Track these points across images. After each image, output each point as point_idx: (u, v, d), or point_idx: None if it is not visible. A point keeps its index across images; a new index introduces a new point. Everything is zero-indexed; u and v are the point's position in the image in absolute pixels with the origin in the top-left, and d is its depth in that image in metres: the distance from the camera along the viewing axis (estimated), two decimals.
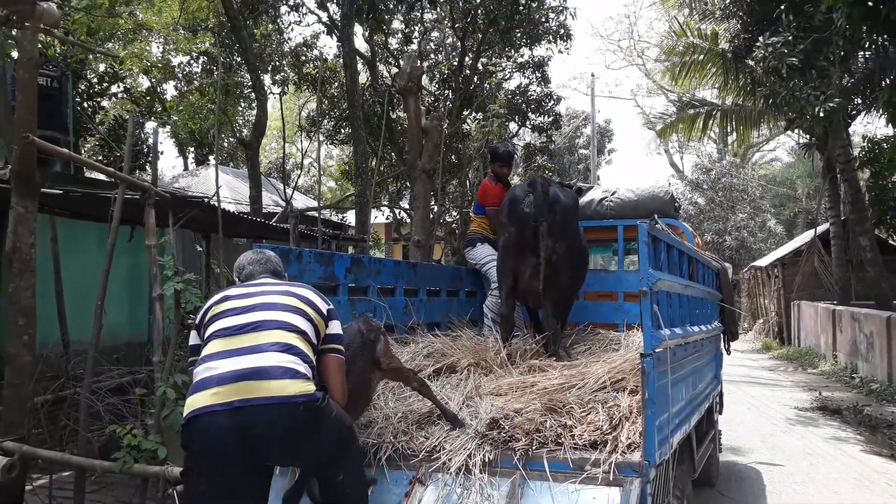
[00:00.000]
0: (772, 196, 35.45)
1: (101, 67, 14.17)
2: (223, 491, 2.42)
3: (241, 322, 2.62)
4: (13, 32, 5.28)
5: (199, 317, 2.80)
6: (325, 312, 2.85)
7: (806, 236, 21.29)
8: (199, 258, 8.47)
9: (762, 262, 24.42)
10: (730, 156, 33.41)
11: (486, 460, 3.09)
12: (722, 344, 6.16)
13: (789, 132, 21.67)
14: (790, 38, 9.47)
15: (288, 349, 2.57)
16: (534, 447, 3.11)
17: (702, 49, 17.93)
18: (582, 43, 70.93)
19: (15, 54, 6.48)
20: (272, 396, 2.44)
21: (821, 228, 19.05)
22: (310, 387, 2.53)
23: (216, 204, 5.31)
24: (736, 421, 9.47)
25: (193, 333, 2.78)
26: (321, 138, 16.52)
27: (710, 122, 21.22)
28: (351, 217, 18.43)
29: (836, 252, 16.94)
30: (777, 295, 21.48)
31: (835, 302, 16.54)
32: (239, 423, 2.39)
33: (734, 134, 21.71)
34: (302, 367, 2.55)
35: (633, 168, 63.51)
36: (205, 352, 2.58)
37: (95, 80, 13.56)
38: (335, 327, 2.88)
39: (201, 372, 2.51)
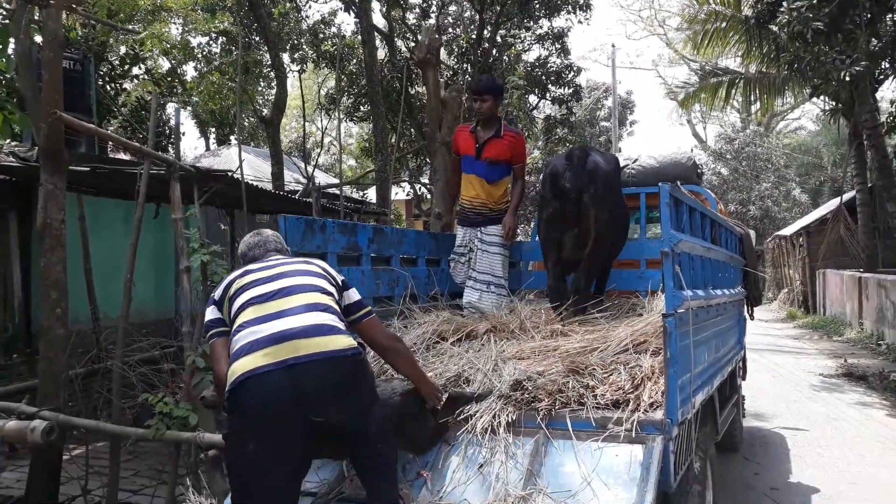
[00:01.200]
0: (797, 165, 34.98)
1: (122, 50, 14.27)
2: (272, 451, 2.44)
3: (273, 289, 2.67)
4: (35, 14, 5.36)
5: (218, 292, 2.82)
6: (340, 283, 2.93)
7: (831, 204, 21.01)
8: (224, 235, 8.58)
9: (786, 231, 24.15)
10: (754, 125, 32.97)
11: (510, 421, 3.14)
12: (745, 309, 6.14)
13: (814, 99, 21.31)
14: (815, 1, 9.29)
15: (325, 308, 2.65)
16: (557, 407, 3.16)
17: (724, 16, 17.65)
18: (602, 14, 69.94)
19: (38, 38, 6.58)
20: (323, 351, 2.51)
21: (847, 196, 18.78)
22: (352, 341, 2.63)
23: (239, 178, 5.38)
24: (760, 388, 9.46)
25: (212, 308, 2.81)
26: (341, 115, 16.55)
27: (733, 90, 20.91)
28: (372, 194, 18.49)
29: (863, 219, 16.71)
30: (802, 264, 21.27)
31: (861, 270, 16.34)
32: (294, 380, 2.43)
33: (758, 103, 21.41)
34: (341, 324, 2.66)
35: (655, 139, 62.85)
36: (241, 319, 2.60)
37: (117, 62, 13.68)
38: (354, 294, 2.95)
39: (245, 336, 2.53)
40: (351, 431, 2.64)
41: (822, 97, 18.49)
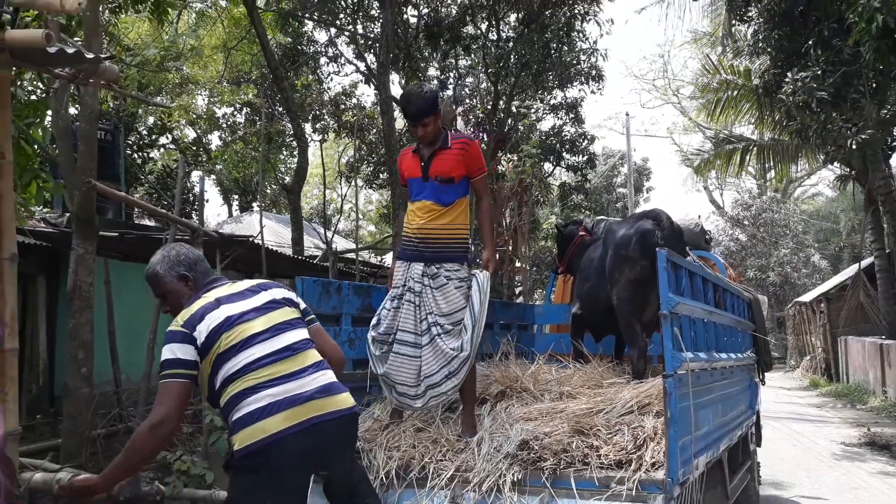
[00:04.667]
0: (815, 231, 34.93)
1: (151, 120, 14.86)
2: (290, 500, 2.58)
3: (279, 346, 2.69)
4: (71, 89, 5.71)
5: (199, 338, 2.63)
6: (300, 303, 2.98)
7: (850, 270, 20.91)
8: None
9: (806, 297, 23.97)
10: (770, 191, 33.15)
11: (516, 479, 3.22)
12: (756, 374, 6.17)
13: (830, 165, 21.52)
14: (819, 72, 9.57)
15: (326, 366, 2.78)
16: (561, 466, 3.23)
17: (735, 85, 18.05)
18: (616, 83, 71.44)
19: (72, 110, 6.96)
20: (338, 409, 2.67)
21: (865, 262, 18.72)
22: (351, 397, 2.79)
23: (260, 243, 5.61)
24: (780, 457, 9.33)
25: (188, 348, 2.61)
26: (360, 183, 16.97)
27: (747, 157, 21.18)
28: (389, 259, 18.72)
29: (883, 286, 16.62)
30: (823, 331, 21.05)
31: (883, 336, 16.17)
32: (315, 438, 2.57)
33: (773, 170, 21.64)
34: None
35: (671, 205, 63.09)
36: (251, 380, 2.59)
37: (145, 132, 14.22)
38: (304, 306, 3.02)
39: (263, 399, 2.55)
40: (343, 480, 2.81)
41: (836, 164, 18.74)
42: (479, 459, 3.37)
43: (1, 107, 3.02)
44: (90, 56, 2.98)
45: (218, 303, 2.69)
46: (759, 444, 7.01)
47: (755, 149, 20.58)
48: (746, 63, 17.29)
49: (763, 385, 6.38)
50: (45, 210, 8.11)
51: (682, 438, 3.16)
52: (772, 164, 20.75)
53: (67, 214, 6.94)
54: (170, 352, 2.61)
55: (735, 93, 17.96)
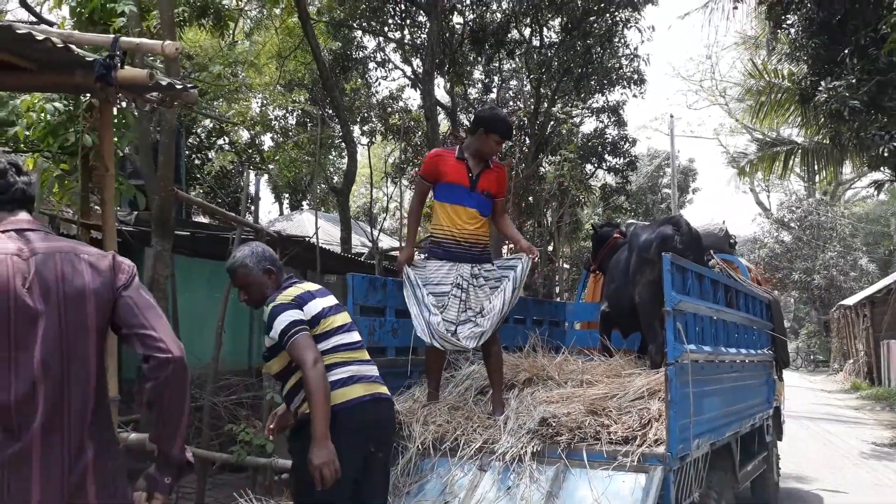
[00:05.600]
0: (864, 234, 34.39)
1: (209, 123, 15.67)
2: (351, 465, 3.05)
3: (353, 339, 3.28)
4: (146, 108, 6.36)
5: (308, 314, 3.09)
6: None
7: None
8: None
9: (850, 300, 23.80)
10: (819, 193, 32.77)
11: (535, 451, 3.72)
12: (774, 371, 6.50)
13: (883, 169, 21.31)
14: (853, 80, 9.78)
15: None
16: (575, 441, 3.72)
17: (779, 88, 18.08)
18: (663, 84, 70.82)
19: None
20: (388, 395, 3.32)
21: None
22: None
23: (314, 243, 6.19)
24: (807, 455, 9.61)
25: (295, 311, 3.05)
26: (405, 184, 17.56)
27: (791, 160, 21.13)
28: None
29: None
30: (866, 334, 20.93)
31: None
32: (377, 410, 3.20)
33: (821, 172, 21.52)
34: None
35: (717, 207, 62.41)
36: (334, 359, 3.15)
37: (204, 135, 15.03)
38: None
39: (345, 372, 3.14)
40: (377, 469, 3.28)
41: (883, 168, 18.62)
42: (505, 434, 3.88)
43: (106, 131, 3.64)
44: (179, 86, 3.56)
45: (312, 295, 3.19)
46: (779, 439, 7.36)
47: (799, 151, 20.54)
48: (791, 66, 17.38)
49: (781, 381, 6.70)
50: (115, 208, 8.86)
51: (681, 420, 3.61)
52: (817, 167, 20.66)
53: (136, 213, 7.64)
54: (289, 316, 3.02)
55: (779, 96, 18.01)
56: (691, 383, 3.77)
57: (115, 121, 5.04)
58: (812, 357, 30.64)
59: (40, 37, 2.88)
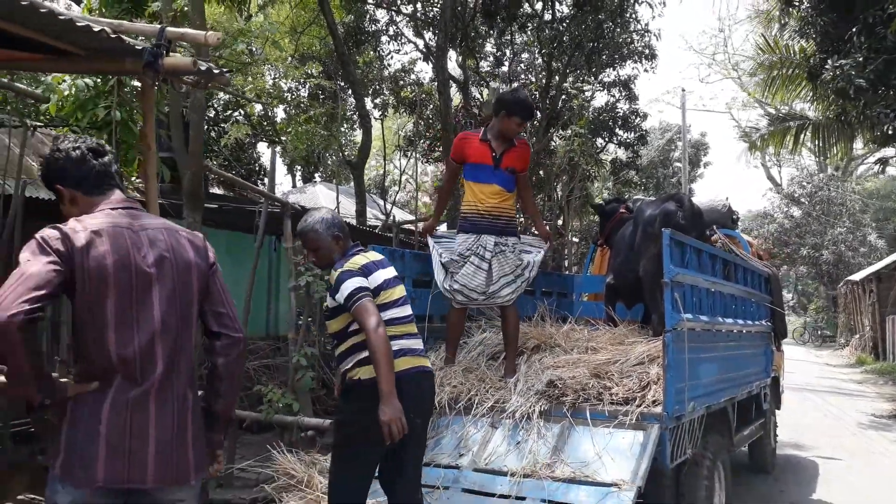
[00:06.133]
0: (875, 210, 34.39)
1: (224, 96, 15.90)
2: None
3: (406, 313, 3.42)
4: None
5: (372, 282, 3.27)
6: None
7: None
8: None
9: (857, 276, 23.99)
10: (831, 168, 32.70)
11: (543, 410, 4.06)
12: (772, 342, 6.77)
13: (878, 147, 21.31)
14: (860, 59, 9.91)
15: None
16: (580, 401, 4.06)
17: (790, 63, 18.11)
18: (676, 58, 70.16)
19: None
20: (431, 368, 3.52)
21: None
22: None
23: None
24: (807, 424, 9.94)
25: (361, 279, 3.24)
26: (417, 156, 17.78)
27: (802, 135, 21.17)
28: (443, 229, 19.51)
29: None
30: (872, 310, 21.17)
31: None
32: (420, 383, 3.35)
33: (834, 148, 21.55)
34: None
35: (728, 181, 62.31)
36: (390, 332, 3.22)
37: (220, 107, 15.29)
38: None
39: (396, 345, 3.22)
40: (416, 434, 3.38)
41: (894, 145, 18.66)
42: (515, 395, 4.22)
43: (149, 112, 3.93)
44: (216, 71, 3.85)
45: (376, 266, 3.36)
46: (777, 407, 7.67)
47: (810, 127, 20.59)
48: (801, 42, 17.40)
49: (779, 350, 6.98)
50: (138, 181, 9.17)
51: (677, 383, 3.92)
52: (828, 143, 20.70)
53: (160, 185, 7.96)
54: (356, 282, 3.20)
55: (790, 71, 18.05)
56: (687, 349, 4.07)
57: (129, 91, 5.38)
58: (819, 332, 30.87)
59: (96, 28, 3.16)
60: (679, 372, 3.96)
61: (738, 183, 64.96)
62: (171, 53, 3.58)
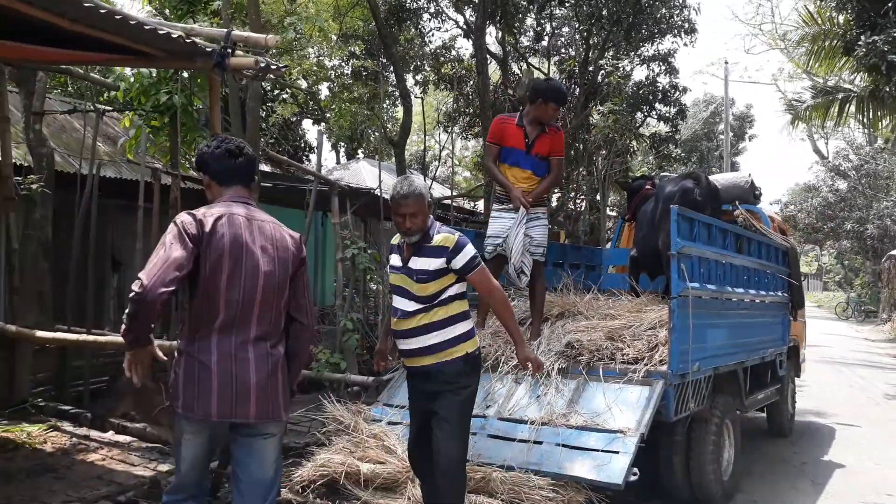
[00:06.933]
0: None
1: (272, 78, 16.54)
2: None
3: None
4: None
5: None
6: None
7: None
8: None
9: None
10: (881, 140, 32.06)
11: (561, 368, 4.57)
12: (789, 312, 7.10)
13: None
14: (895, 34, 10.02)
15: None
16: (594, 361, 4.56)
17: (834, 34, 17.95)
18: (720, 28, 68.59)
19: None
20: None
21: None
22: None
23: (377, 194, 7.03)
24: (832, 394, 10.23)
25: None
26: (456, 132, 18.21)
27: (847, 108, 20.92)
28: (482, 205, 20.00)
29: None
30: None
31: None
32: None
33: (885, 120, 21.23)
34: None
35: (774, 153, 61.19)
36: (467, 306, 3.58)
37: (268, 87, 15.92)
38: None
39: (472, 322, 3.58)
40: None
41: None
42: (536, 354, 4.71)
43: (215, 102, 4.48)
44: (275, 67, 4.38)
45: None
46: (797, 375, 8.03)
47: (854, 100, 20.36)
48: (844, 15, 17.24)
49: (794, 320, 7.31)
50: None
51: (681, 345, 4.39)
52: (873, 115, 20.45)
53: None
54: (474, 248, 3.48)
55: (833, 42, 17.89)
56: (692, 315, 4.51)
57: (199, 82, 5.96)
58: (862, 307, 30.57)
59: (175, 34, 3.72)
60: (683, 335, 4.41)
61: (784, 156, 63.65)
62: (234, 53, 4.12)
